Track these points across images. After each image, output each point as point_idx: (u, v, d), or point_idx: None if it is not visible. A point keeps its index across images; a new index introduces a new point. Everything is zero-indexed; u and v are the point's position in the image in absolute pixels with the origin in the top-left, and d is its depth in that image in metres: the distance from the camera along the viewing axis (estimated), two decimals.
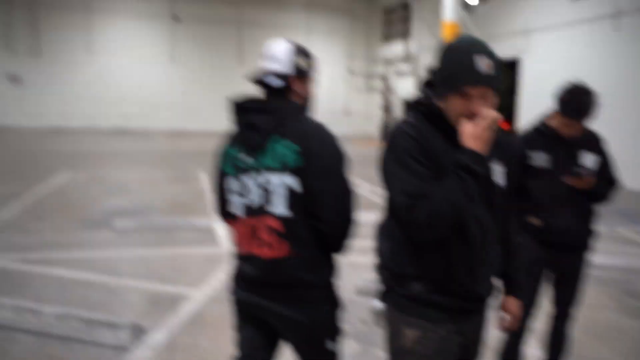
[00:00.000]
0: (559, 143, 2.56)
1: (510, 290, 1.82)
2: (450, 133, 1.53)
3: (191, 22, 22.25)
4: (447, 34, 8.47)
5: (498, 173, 1.62)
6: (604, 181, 2.59)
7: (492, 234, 1.60)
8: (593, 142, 2.61)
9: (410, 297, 1.58)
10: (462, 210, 1.44)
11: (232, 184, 1.72)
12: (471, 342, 1.71)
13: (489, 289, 1.66)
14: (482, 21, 15.95)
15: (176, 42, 22.24)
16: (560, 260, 2.69)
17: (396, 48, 23.20)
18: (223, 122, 20.17)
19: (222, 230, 6.02)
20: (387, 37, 24.62)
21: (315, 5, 24.40)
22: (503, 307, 1.84)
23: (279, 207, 1.62)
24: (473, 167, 1.42)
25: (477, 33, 14.79)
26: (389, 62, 23.40)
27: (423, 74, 20.71)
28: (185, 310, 3.76)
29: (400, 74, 22.72)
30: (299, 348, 1.77)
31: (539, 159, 2.57)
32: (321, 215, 1.63)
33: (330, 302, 1.75)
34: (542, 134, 2.61)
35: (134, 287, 4.15)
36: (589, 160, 2.56)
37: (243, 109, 1.70)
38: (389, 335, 1.69)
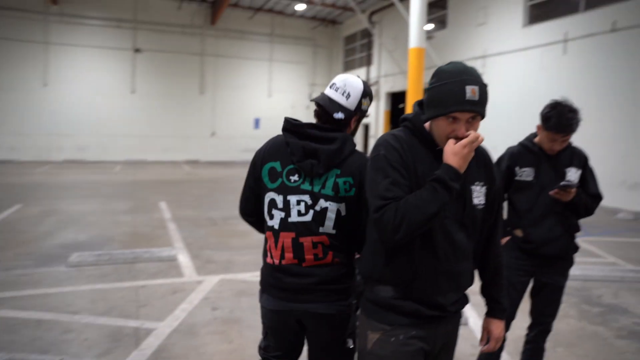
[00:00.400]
0: (544, 158, 2.64)
1: (493, 312, 1.83)
2: (434, 151, 1.61)
3: (152, 52, 22.02)
4: (413, 59, 8.66)
5: (477, 193, 1.67)
6: (588, 196, 2.64)
7: (464, 251, 1.65)
8: (577, 158, 2.67)
9: (376, 302, 1.66)
10: (430, 220, 1.49)
11: (275, 198, 1.85)
12: (436, 350, 1.70)
13: (456, 302, 1.69)
14: (441, 47, 16.45)
15: (137, 72, 21.91)
16: (542, 271, 2.72)
17: (358, 74, 23.57)
18: (183, 152, 19.78)
19: (186, 260, 5.75)
20: (349, 64, 25.07)
21: (278, 35, 24.66)
22: (485, 328, 1.85)
23: (328, 227, 1.81)
24: (448, 182, 1.49)
25: (437, 59, 15.25)
26: None
27: (384, 98, 21.09)
28: (150, 344, 3.48)
29: None
30: (323, 344, 1.90)
31: (525, 173, 2.65)
32: (361, 238, 1.82)
33: (354, 305, 1.90)
34: (528, 149, 2.68)
35: (93, 324, 3.82)
36: (572, 175, 2.62)
37: (303, 133, 1.83)
38: (358, 339, 1.76)
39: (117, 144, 21.50)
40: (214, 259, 5.84)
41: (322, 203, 1.79)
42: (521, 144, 2.74)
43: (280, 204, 1.83)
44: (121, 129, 21.58)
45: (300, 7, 22.49)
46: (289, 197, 1.81)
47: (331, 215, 1.79)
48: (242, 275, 5.20)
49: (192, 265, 5.56)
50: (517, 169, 2.68)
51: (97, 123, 21.17)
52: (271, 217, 1.86)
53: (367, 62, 22.61)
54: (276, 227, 1.84)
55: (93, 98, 21.09)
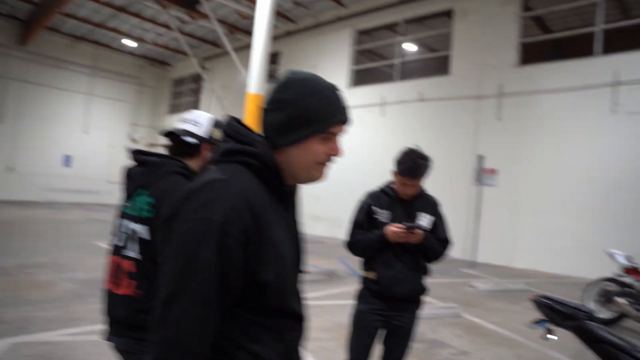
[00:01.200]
0: (398, 202, 2.76)
1: None
2: (280, 193, 1.20)
3: None
4: (250, 105, 8.79)
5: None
6: (437, 240, 2.76)
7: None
8: (429, 204, 2.83)
9: None
10: None
11: (115, 224, 1.92)
12: None
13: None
14: None
15: None
16: (394, 315, 2.73)
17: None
18: None
19: None
20: (175, 107, 24.32)
21: (101, 69, 22.77)
22: None
23: (132, 251, 1.78)
24: None
25: None
26: None
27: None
28: None
29: None
30: None
31: (382, 215, 2.74)
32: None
33: None
34: (386, 193, 2.81)
35: None
36: (424, 219, 2.75)
37: (134, 159, 1.92)
38: None
39: None
40: (4, 318, 4.70)
41: (129, 225, 1.81)
42: (380, 188, 2.87)
43: (115, 228, 1.90)
44: None
45: (129, 43, 21.29)
46: (119, 221, 1.88)
47: (134, 237, 1.78)
48: (43, 336, 4.23)
49: None
50: (375, 208, 2.77)
51: None
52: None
53: (195, 106, 22.16)
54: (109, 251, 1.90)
55: None
